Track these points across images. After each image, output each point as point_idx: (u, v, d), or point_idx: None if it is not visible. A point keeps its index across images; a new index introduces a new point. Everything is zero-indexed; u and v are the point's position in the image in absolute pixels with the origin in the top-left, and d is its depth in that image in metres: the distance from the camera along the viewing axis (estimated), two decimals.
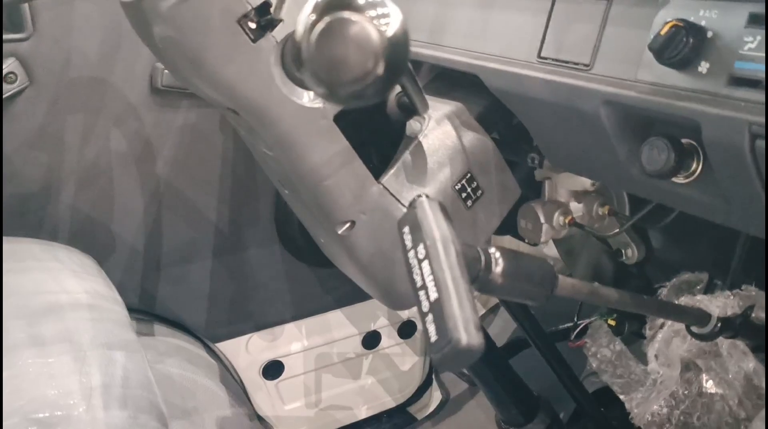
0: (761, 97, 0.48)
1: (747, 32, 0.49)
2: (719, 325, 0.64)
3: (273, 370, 1.34)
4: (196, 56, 0.60)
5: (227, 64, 0.60)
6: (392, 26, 0.36)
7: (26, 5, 0.96)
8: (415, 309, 1.18)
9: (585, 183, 0.81)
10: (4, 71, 0.96)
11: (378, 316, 1.43)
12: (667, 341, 0.72)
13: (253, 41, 0.59)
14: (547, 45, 0.65)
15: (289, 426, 1.38)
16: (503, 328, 1.34)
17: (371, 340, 1.43)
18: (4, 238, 0.92)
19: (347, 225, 0.69)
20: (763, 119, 0.47)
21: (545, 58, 0.65)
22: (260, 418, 1.33)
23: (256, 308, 1.29)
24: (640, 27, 0.56)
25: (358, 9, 0.36)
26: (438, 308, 0.45)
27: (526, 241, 0.85)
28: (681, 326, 0.73)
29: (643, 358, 0.76)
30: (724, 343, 0.71)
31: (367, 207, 0.68)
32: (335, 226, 0.69)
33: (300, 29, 0.36)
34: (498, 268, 0.51)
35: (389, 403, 1.50)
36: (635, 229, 0.83)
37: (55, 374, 0.63)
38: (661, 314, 0.65)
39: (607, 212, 0.81)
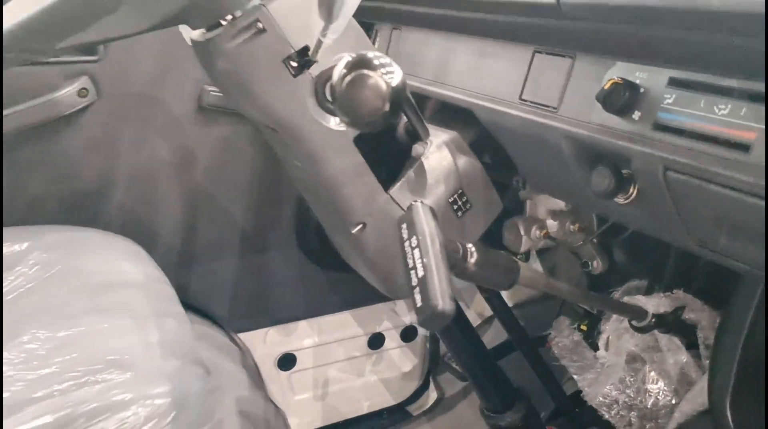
0: (675, 139, 0.64)
1: (667, 90, 0.65)
2: (653, 320, 0.80)
3: (286, 361, 1.49)
4: (249, 86, 0.76)
5: (272, 93, 0.77)
6: (395, 79, 0.53)
7: None
8: (415, 315, 1.36)
9: (560, 204, 0.97)
10: (78, 87, 1.15)
11: (383, 320, 1.58)
12: (618, 335, 0.87)
13: (294, 76, 0.76)
14: (527, 90, 0.81)
15: (298, 414, 1.52)
16: (495, 336, 1.48)
17: (376, 341, 1.58)
18: (68, 227, 1.09)
19: (359, 226, 0.85)
20: (675, 156, 0.63)
21: (525, 100, 0.81)
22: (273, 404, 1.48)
23: (274, 305, 1.45)
24: (593, 81, 0.72)
25: (373, 68, 0.53)
26: (423, 283, 0.61)
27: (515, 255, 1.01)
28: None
29: (596, 350, 0.91)
30: (663, 339, 0.86)
31: (376, 212, 0.84)
32: (349, 227, 0.85)
33: (335, 78, 0.53)
34: (472, 259, 0.67)
35: (389, 400, 1.63)
36: (601, 245, 0.98)
37: (118, 333, 0.79)
38: (607, 308, 0.81)
39: (576, 229, 0.96)
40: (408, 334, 1.60)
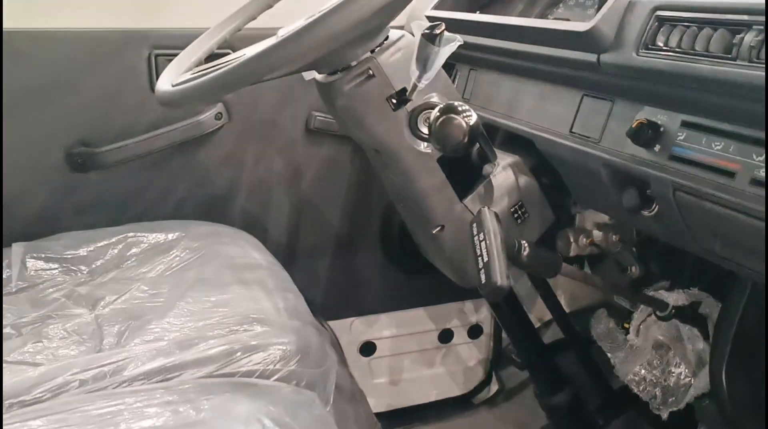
0: (683, 167, 0.84)
1: (680, 130, 0.85)
2: (673, 311, 1.00)
3: (367, 349, 1.72)
4: (361, 118, 1.01)
5: (377, 123, 1.01)
6: (472, 120, 0.77)
7: None
8: (482, 315, 1.61)
9: (604, 217, 1.18)
10: (215, 112, 1.43)
11: (452, 318, 1.79)
12: (647, 326, 1.07)
13: (394, 110, 1.00)
14: (576, 124, 1.02)
15: (374, 396, 1.73)
16: (552, 335, 1.67)
17: (445, 337, 1.79)
18: (206, 222, 1.36)
19: (438, 228, 1.08)
20: (682, 180, 0.83)
21: (574, 133, 1.03)
22: None
23: (360, 298, 1.68)
24: (627, 120, 0.93)
25: (457, 113, 0.77)
26: (487, 266, 0.84)
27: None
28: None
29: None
30: (685, 330, 1.05)
31: (453, 217, 1.07)
32: (431, 229, 1.09)
33: (432, 118, 0.78)
34: (525, 252, 0.90)
35: (455, 391, 1.84)
36: (639, 253, 1.18)
37: (256, 299, 1.05)
38: (635, 299, 1.01)
39: (617, 239, 1.17)
40: (474, 332, 1.81)
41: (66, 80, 1.34)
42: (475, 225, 0.89)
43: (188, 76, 0.99)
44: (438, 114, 0.84)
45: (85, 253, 1.24)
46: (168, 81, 0.98)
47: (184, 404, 0.75)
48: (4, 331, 1.02)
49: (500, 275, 0.82)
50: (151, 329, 0.97)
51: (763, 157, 0.75)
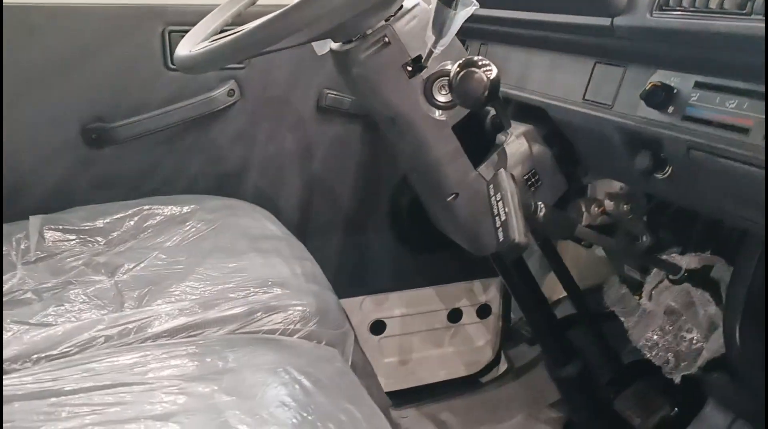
0: (698, 127, 0.85)
1: (693, 91, 0.86)
2: (685, 274, 1.01)
3: (378, 327, 1.73)
4: (376, 86, 1.02)
5: (393, 90, 1.02)
6: (493, 73, 0.78)
7: None
8: (491, 295, 1.62)
9: (615, 187, 1.19)
10: (228, 88, 1.45)
11: (461, 297, 1.81)
12: (659, 292, 1.08)
13: (409, 78, 1.02)
14: (589, 92, 1.04)
15: (384, 375, 1.74)
16: (564, 310, 1.67)
17: (454, 316, 1.80)
18: (220, 197, 1.38)
19: (452, 196, 1.10)
20: (696, 138, 0.85)
21: (587, 100, 1.04)
22: None
23: (370, 277, 1.69)
24: (639, 85, 0.94)
25: (477, 67, 0.78)
26: (504, 224, 0.86)
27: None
28: (671, 284, 1.10)
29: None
30: (696, 295, 1.06)
31: (467, 185, 1.08)
32: (445, 197, 1.10)
33: (452, 74, 0.79)
34: (541, 212, 0.91)
35: (463, 371, 1.85)
36: (650, 222, 1.19)
37: (273, 266, 1.06)
38: (648, 262, 1.03)
39: (629, 208, 1.18)
40: (483, 311, 1.82)
41: (81, 55, 1.35)
42: (491, 186, 0.90)
43: (206, 44, 1.01)
44: (458, 69, 0.85)
45: (101, 225, 1.25)
46: (186, 48, 0.99)
47: (210, 355, 0.77)
48: (25, 296, 1.03)
49: (518, 232, 0.83)
50: (171, 292, 0.98)
51: None
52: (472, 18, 0.96)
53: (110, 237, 1.24)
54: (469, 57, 0.87)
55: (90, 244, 1.22)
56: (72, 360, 0.77)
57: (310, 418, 0.65)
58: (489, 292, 1.82)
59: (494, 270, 1.78)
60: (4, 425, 0.63)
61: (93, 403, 0.67)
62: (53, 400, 0.68)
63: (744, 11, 0.75)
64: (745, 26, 0.74)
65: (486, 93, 0.84)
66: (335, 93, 1.52)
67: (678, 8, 0.83)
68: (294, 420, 0.64)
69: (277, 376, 0.72)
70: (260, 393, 0.68)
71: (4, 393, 0.69)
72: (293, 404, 0.67)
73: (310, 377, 0.73)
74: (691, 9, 0.81)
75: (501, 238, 0.85)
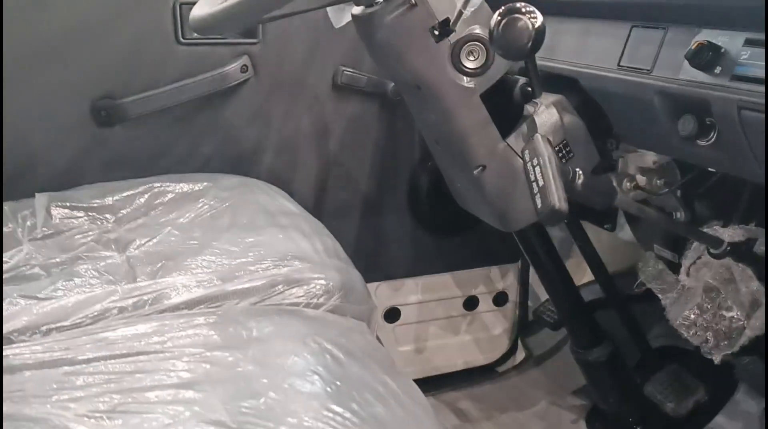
0: (750, 86, 0.80)
1: (743, 49, 0.82)
2: (728, 248, 0.96)
3: (392, 315, 1.68)
4: (401, 50, 0.98)
5: (419, 56, 0.98)
6: (538, 20, 0.73)
7: None
8: (508, 282, 1.58)
9: (648, 161, 1.14)
10: (241, 64, 1.39)
11: (478, 284, 1.76)
12: (697, 269, 1.03)
13: (436, 42, 0.97)
14: (624, 57, 0.99)
15: (400, 364, 1.70)
16: (593, 294, 1.62)
17: (471, 304, 1.75)
18: (234, 175, 1.33)
19: (480, 168, 1.05)
20: (748, 98, 0.80)
21: (622, 66, 0.99)
22: None
23: (386, 262, 1.64)
24: (682, 46, 0.89)
25: (522, 12, 0.73)
26: (543, 190, 0.81)
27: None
28: (709, 260, 1.04)
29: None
30: (737, 271, 1.01)
31: (495, 156, 1.03)
32: (472, 169, 1.05)
33: (493, 22, 0.74)
34: (579, 180, 0.86)
35: (480, 360, 1.80)
36: (684, 197, 1.14)
37: (294, 240, 1.01)
38: (689, 234, 0.97)
39: (663, 183, 1.13)
40: (500, 300, 1.77)
41: (90, 31, 1.30)
42: (527, 152, 0.85)
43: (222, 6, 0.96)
44: (499, 17, 0.79)
45: (110, 202, 1.21)
46: (204, 8, 0.94)
47: (233, 325, 0.72)
48: (32, 271, 0.99)
49: (558, 198, 0.78)
50: (187, 265, 0.94)
51: None
52: None
53: (120, 214, 1.19)
54: (511, 4, 0.82)
55: (99, 222, 1.18)
56: (85, 330, 0.72)
57: (344, 387, 0.61)
58: (506, 279, 1.77)
59: (512, 256, 1.75)
60: (14, 393, 0.59)
61: (109, 372, 0.62)
62: (66, 369, 0.63)
63: None
64: None
65: (530, 42, 0.78)
66: (351, 71, 1.47)
67: None
68: (328, 389, 0.59)
69: (306, 345, 0.67)
70: (289, 362, 0.63)
71: (12, 363, 0.64)
72: (325, 374, 0.62)
73: (342, 348, 0.68)
74: None
75: (539, 205, 0.80)
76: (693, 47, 0.85)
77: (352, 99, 1.50)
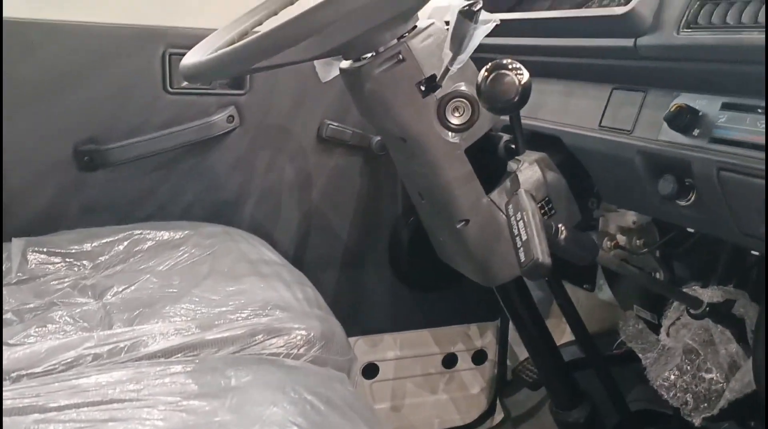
0: (728, 148, 0.82)
1: (721, 113, 0.84)
2: (707, 308, 0.96)
3: (370, 371, 1.66)
4: (389, 104, 0.99)
5: (406, 109, 0.99)
6: (524, 77, 0.75)
7: None
8: (487, 340, 1.57)
9: (628, 221, 1.16)
10: (227, 114, 1.41)
11: (457, 341, 1.74)
12: (677, 330, 1.03)
13: (423, 97, 0.98)
14: (605, 118, 1.01)
15: None
16: (572, 354, 1.60)
17: (449, 361, 1.73)
18: (215, 224, 1.32)
19: (463, 222, 1.05)
20: (726, 159, 0.82)
21: (604, 126, 1.01)
22: None
23: (365, 316, 1.63)
24: (661, 108, 0.91)
25: (509, 69, 0.75)
26: (526, 244, 0.81)
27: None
28: (689, 321, 1.05)
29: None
30: (716, 332, 1.02)
31: (478, 211, 1.04)
32: (455, 223, 1.06)
33: (480, 77, 0.75)
34: (562, 235, 0.87)
35: (458, 421, 1.77)
36: (663, 257, 1.15)
37: (275, 289, 1.00)
38: (669, 294, 0.98)
39: (642, 243, 1.14)
40: (479, 358, 1.76)
41: (79, 75, 1.31)
42: (511, 206, 0.86)
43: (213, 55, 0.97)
44: (486, 73, 0.81)
45: (89, 249, 1.19)
46: (195, 57, 0.95)
47: (211, 373, 0.70)
48: (5, 317, 0.96)
49: (541, 252, 0.78)
50: (165, 313, 0.92)
51: None
52: (483, 47, 0.94)
53: (98, 261, 1.17)
54: (498, 60, 0.84)
55: (76, 268, 1.16)
56: (57, 377, 0.70)
57: None
58: (485, 336, 1.76)
59: (491, 313, 1.75)
60: None
61: (81, 420, 0.60)
62: (36, 416, 0.61)
63: None
64: None
65: (517, 98, 0.80)
66: (336, 124, 1.49)
67: (708, 25, 0.81)
68: None
69: (286, 395, 0.66)
70: (268, 411, 0.61)
71: None
72: (305, 424, 0.60)
73: (322, 398, 0.66)
74: (722, 25, 0.79)
75: (522, 259, 0.80)
76: (672, 110, 0.87)
77: (336, 152, 1.51)
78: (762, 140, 0.78)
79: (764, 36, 0.74)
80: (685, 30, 0.84)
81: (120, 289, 1.03)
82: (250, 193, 1.46)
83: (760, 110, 0.79)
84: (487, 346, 1.77)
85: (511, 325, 1.70)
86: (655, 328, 1.16)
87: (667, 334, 1.01)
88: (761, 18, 0.75)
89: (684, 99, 0.89)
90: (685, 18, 0.84)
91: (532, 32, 1.10)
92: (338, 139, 1.49)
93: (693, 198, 0.90)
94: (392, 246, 1.61)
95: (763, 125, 0.79)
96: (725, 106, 0.84)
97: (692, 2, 0.84)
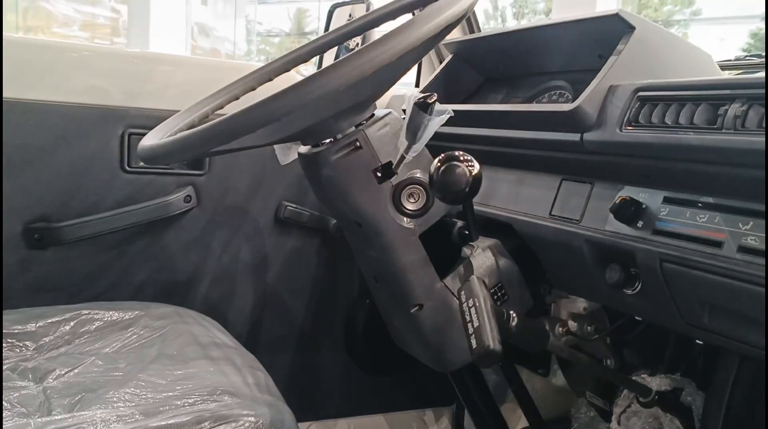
0: (670, 240, 0.86)
1: (663, 206, 0.88)
2: (656, 397, 0.97)
3: None
4: (345, 189, 1.01)
5: (362, 195, 1.01)
6: (475, 169, 0.77)
7: None
8: (443, 426, 1.56)
9: (579, 307, 1.18)
10: (185, 194, 1.41)
11: (413, 427, 1.71)
12: (628, 417, 1.04)
13: (379, 183, 1.00)
14: (555, 207, 1.05)
15: None
16: None
17: None
18: (174, 307, 1.29)
19: (417, 307, 1.06)
20: (668, 251, 0.85)
21: (554, 215, 1.05)
22: None
23: (319, 400, 1.60)
24: (607, 200, 0.95)
25: (460, 160, 0.77)
26: (478, 331, 0.82)
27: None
28: (639, 409, 1.06)
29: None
30: (665, 421, 1.02)
31: (432, 296, 1.05)
32: (409, 308, 1.06)
33: (432, 168, 0.78)
34: (513, 322, 0.88)
35: None
36: (613, 344, 1.17)
37: (224, 374, 0.98)
38: (618, 382, 0.99)
39: (593, 329, 1.16)
40: None
41: (36, 152, 1.30)
42: (463, 292, 0.87)
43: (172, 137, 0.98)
44: (439, 164, 0.84)
45: (33, 329, 1.15)
46: (153, 139, 0.96)
47: None
48: None
49: (492, 339, 0.79)
50: (108, 399, 0.89)
51: (750, 225, 0.77)
52: (439, 136, 0.97)
53: (41, 342, 1.13)
54: (450, 152, 0.87)
55: (17, 349, 1.11)
56: None
57: None
58: (441, 422, 1.74)
59: (447, 399, 1.73)
60: None
61: None
62: None
63: (715, 126, 0.77)
64: (718, 139, 0.76)
65: (467, 188, 0.83)
66: (294, 206, 1.50)
67: (648, 124, 0.86)
68: None
69: None
70: None
71: None
72: None
73: None
74: (661, 125, 0.84)
75: (474, 345, 0.80)
76: (617, 202, 0.91)
77: (294, 233, 1.52)
78: (702, 234, 0.82)
79: (699, 136, 0.78)
80: (627, 128, 0.88)
81: (62, 373, 1.00)
82: (205, 273, 1.44)
83: (700, 205, 0.83)
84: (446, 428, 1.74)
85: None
86: (607, 416, 1.17)
87: (618, 423, 1.01)
88: (697, 119, 0.80)
89: (628, 192, 0.93)
90: (626, 116, 0.88)
91: (485, 123, 1.15)
92: (296, 220, 1.50)
93: (639, 287, 0.93)
94: (348, 329, 1.60)
95: (703, 219, 0.83)
96: (666, 200, 0.88)
97: (633, 102, 0.89)
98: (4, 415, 0.87)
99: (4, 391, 0.95)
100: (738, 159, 0.74)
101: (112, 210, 1.35)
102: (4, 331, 1.14)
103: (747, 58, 1.21)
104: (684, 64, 1.00)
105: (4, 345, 1.11)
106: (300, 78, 0.82)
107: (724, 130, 0.76)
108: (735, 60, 1.22)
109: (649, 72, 0.94)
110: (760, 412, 0.92)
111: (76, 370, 1.01)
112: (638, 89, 0.89)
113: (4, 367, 1.04)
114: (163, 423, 0.81)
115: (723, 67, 1.13)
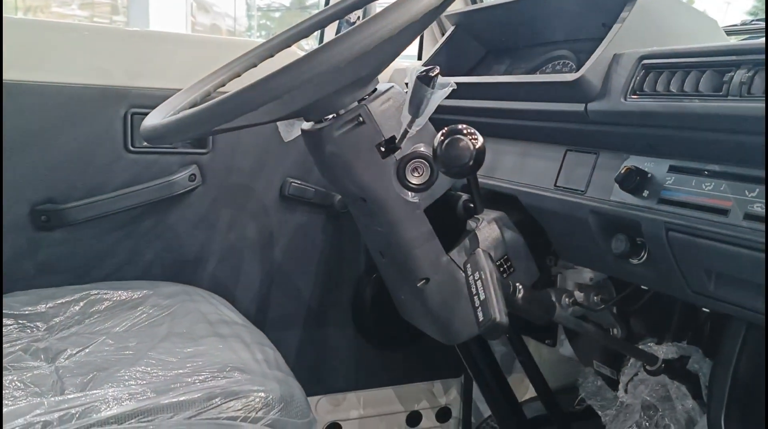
0: (675, 209, 0.85)
1: (668, 175, 0.87)
2: (663, 365, 0.98)
3: None
4: (349, 164, 1.01)
5: (366, 170, 1.01)
6: (478, 142, 0.77)
7: None
8: (451, 397, 1.58)
9: (585, 278, 1.18)
10: (189, 173, 1.41)
11: (421, 399, 1.73)
12: (635, 386, 1.05)
13: (383, 158, 1.00)
14: (560, 178, 1.04)
15: None
16: (535, 411, 1.59)
17: (413, 419, 1.72)
18: (176, 283, 1.30)
19: (423, 281, 1.06)
20: (674, 220, 0.84)
21: (559, 186, 1.04)
22: None
23: (328, 375, 1.61)
24: (613, 170, 0.95)
25: (463, 134, 0.77)
26: (484, 304, 0.82)
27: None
28: (646, 377, 1.06)
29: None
30: (673, 388, 1.03)
31: (438, 270, 1.05)
32: (415, 282, 1.06)
33: (436, 142, 0.77)
34: (520, 294, 0.88)
35: None
36: (620, 314, 1.17)
37: (234, 351, 0.99)
38: (625, 350, 0.99)
39: (599, 299, 1.16)
40: (443, 415, 1.75)
41: (40, 135, 1.31)
42: (469, 265, 0.87)
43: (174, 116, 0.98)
44: (442, 137, 0.84)
45: (43, 310, 1.16)
46: (156, 119, 0.96)
47: None
48: None
49: (498, 311, 0.79)
50: (119, 377, 0.90)
51: (756, 192, 0.77)
52: (442, 109, 0.96)
53: (52, 322, 1.14)
54: (454, 125, 0.86)
55: (29, 330, 1.13)
56: None
57: None
58: (449, 393, 1.75)
59: (455, 370, 1.74)
60: None
61: None
62: None
63: (720, 93, 0.76)
64: (723, 106, 0.75)
65: (471, 161, 0.83)
66: (299, 182, 1.50)
67: (653, 93, 0.85)
68: None
69: None
70: None
71: None
72: None
73: None
74: (665, 93, 0.83)
75: (480, 318, 0.81)
76: (622, 172, 0.91)
77: (299, 210, 1.52)
78: (707, 202, 0.81)
79: (704, 104, 0.77)
80: (632, 97, 0.87)
81: (74, 352, 1.01)
82: (212, 251, 1.45)
83: (706, 173, 0.83)
84: (451, 403, 1.76)
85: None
86: (614, 384, 1.18)
87: (626, 391, 1.02)
88: (702, 87, 0.79)
89: (633, 161, 0.92)
90: (631, 85, 0.88)
91: (488, 95, 1.14)
92: (301, 197, 1.50)
93: (645, 257, 0.92)
94: (355, 304, 1.60)
95: (709, 187, 0.82)
96: (672, 169, 0.87)
97: (638, 71, 0.88)
98: (18, 394, 0.89)
99: (17, 372, 0.96)
100: (744, 126, 0.74)
101: (117, 190, 1.35)
102: (15, 312, 1.15)
103: (753, 22, 1.20)
104: (689, 31, 0.99)
105: (15, 326, 1.13)
106: (301, 54, 0.81)
107: (729, 97, 0.75)
108: (741, 25, 1.20)
109: (654, 39, 0.93)
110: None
111: (87, 350, 1.02)
112: (643, 57, 0.88)
113: (17, 347, 1.05)
114: (174, 400, 0.82)
115: (729, 33, 1.11)
